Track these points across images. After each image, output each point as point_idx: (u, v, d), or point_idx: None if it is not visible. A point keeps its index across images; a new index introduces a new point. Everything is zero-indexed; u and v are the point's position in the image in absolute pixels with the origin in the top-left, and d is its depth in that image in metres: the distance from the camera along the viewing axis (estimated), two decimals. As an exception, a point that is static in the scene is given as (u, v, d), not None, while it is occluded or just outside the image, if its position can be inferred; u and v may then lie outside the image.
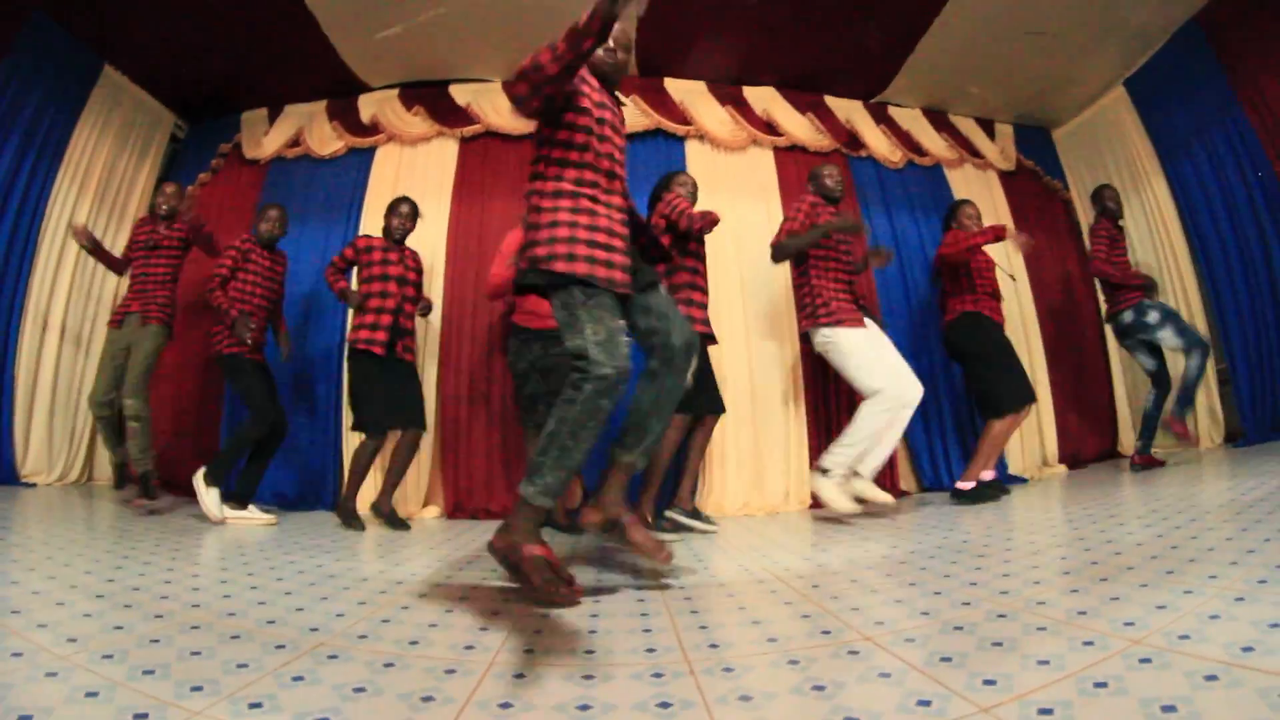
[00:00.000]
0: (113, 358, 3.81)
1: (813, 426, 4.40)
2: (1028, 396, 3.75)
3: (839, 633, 1.54)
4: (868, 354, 3.44)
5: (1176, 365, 4.17)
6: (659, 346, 2.05)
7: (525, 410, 3.50)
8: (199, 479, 3.45)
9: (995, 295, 3.94)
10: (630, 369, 1.83)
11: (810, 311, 3.55)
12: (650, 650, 1.47)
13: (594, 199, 1.98)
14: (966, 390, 4.01)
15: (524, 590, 1.88)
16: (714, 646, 1.50)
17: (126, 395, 3.68)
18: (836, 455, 3.37)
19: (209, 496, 3.43)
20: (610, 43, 2.11)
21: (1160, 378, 4.25)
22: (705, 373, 3.41)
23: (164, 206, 3.98)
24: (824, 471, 3.37)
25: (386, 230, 3.78)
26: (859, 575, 2.18)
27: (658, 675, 1.32)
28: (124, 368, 3.76)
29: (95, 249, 3.94)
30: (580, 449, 1.81)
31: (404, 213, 3.80)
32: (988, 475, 3.71)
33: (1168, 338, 4.06)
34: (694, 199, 3.56)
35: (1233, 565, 1.70)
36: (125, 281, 4.15)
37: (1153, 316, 4.07)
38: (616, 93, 2.21)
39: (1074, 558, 2.07)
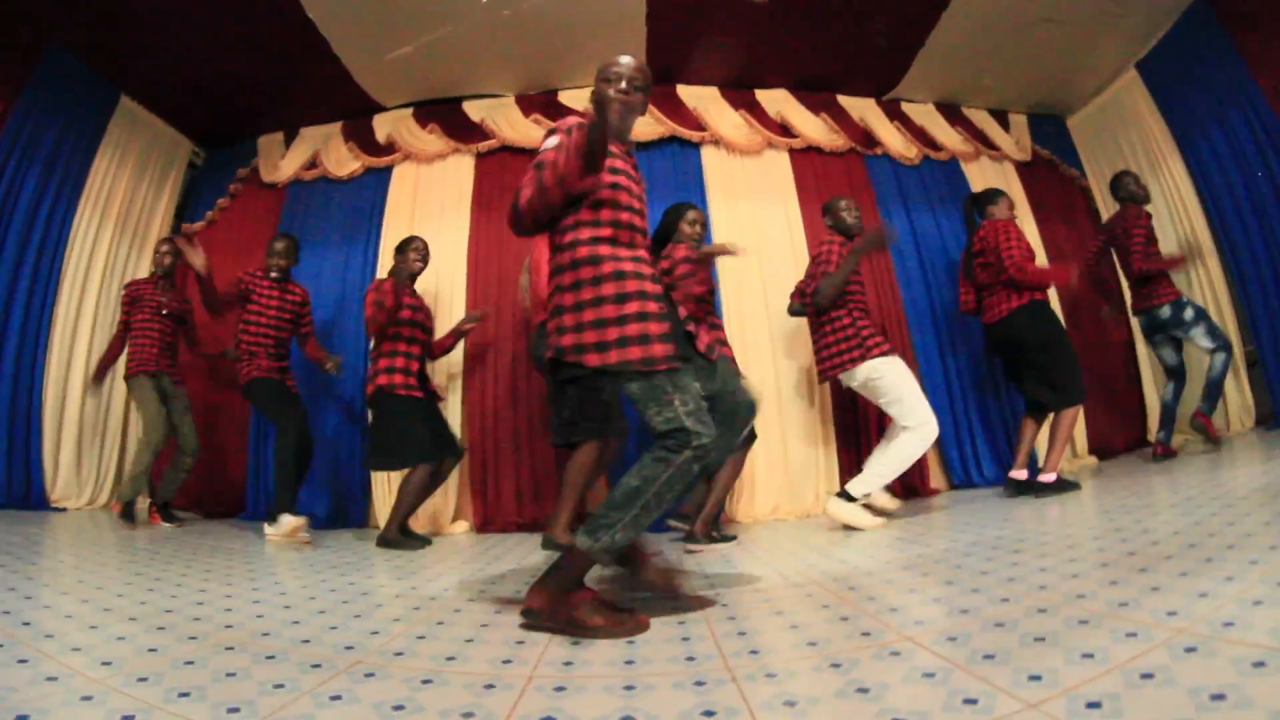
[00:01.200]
0: (155, 402, 3.98)
1: (839, 428, 4.36)
2: (1084, 394, 3.69)
3: (879, 634, 1.51)
4: (914, 384, 3.36)
5: (1190, 359, 4.18)
6: (726, 409, 1.95)
7: (557, 428, 3.28)
8: (273, 529, 3.50)
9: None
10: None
11: (858, 345, 3.38)
12: (690, 659, 1.45)
13: (638, 262, 1.86)
14: (1020, 383, 3.81)
15: (589, 634, 1.69)
16: (754, 653, 1.47)
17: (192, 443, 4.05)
18: (868, 482, 3.26)
19: (290, 525, 3.47)
20: (624, 84, 1.95)
21: (1179, 372, 4.21)
22: None
23: (166, 260, 4.16)
24: (848, 497, 3.25)
25: (398, 271, 3.61)
26: (894, 575, 2.14)
27: (700, 684, 1.30)
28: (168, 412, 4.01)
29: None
30: (659, 512, 1.73)
31: (420, 249, 3.76)
32: (1021, 475, 3.64)
33: (1199, 335, 4.01)
34: (703, 232, 3.50)
35: (1273, 550, 1.67)
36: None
37: (1189, 314, 4.02)
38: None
39: (1111, 549, 2.02)
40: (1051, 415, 3.68)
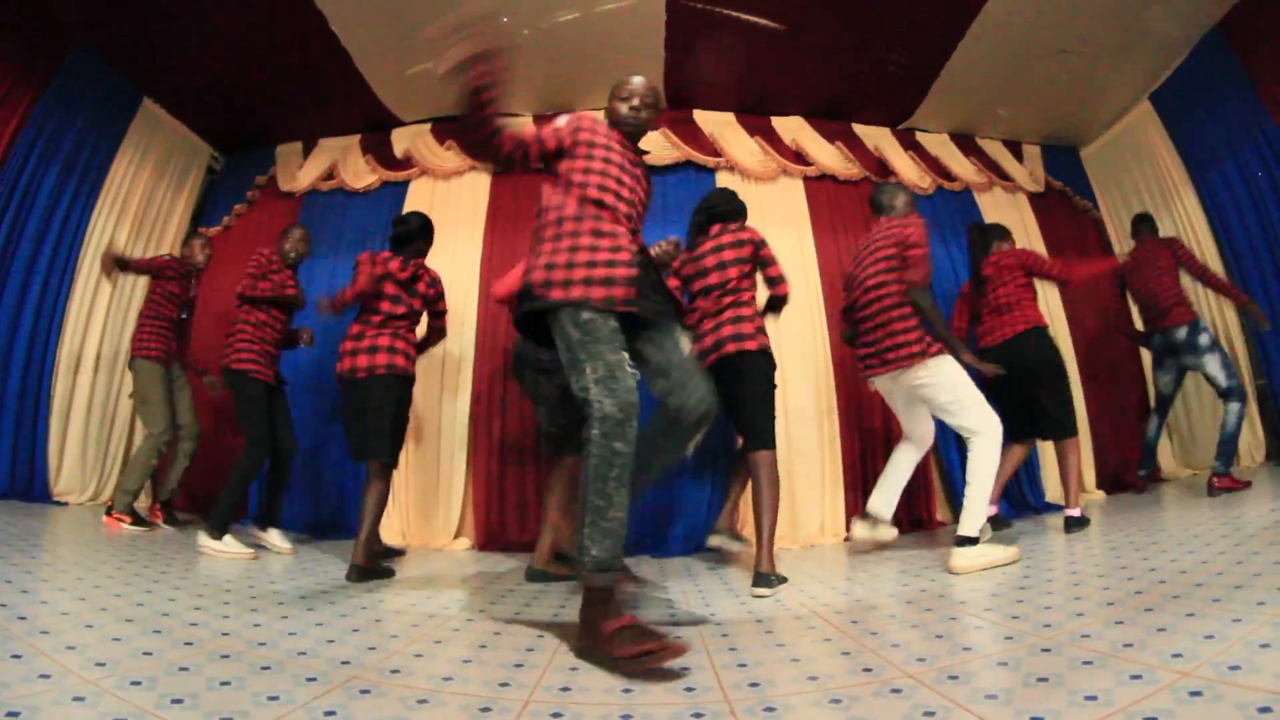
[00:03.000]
0: (166, 394, 3.96)
1: (847, 458, 4.33)
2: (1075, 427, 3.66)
3: (880, 670, 1.49)
4: (971, 383, 3.07)
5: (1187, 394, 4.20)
6: (672, 409, 1.91)
7: (543, 434, 3.24)
8: (204, 541, 3.18)
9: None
10: (638, 403, 1.72)
11: (918, 340, 3.06)
12: (689, 689, 1.43)
13: (597, 232, 1.94)
14: (1023, 410, 3.65)
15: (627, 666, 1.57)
16: (754, 685, 1.45)
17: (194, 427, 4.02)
18: (976, 515, 2.87)
19: (225, 546, 3.18)
20: (635, 101, 2.21)
21: (1166, 404, 4.24)
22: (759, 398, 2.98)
23: (200, 256, 4.18)
24: (968, 542, 2.80)
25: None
26: (897, 610, 2.12)
27: (698, 715, 1.28)
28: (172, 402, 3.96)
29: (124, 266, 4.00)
30: (614, 505, 1.65)
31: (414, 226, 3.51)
32: (992, 510, 3.54)
33: (1211, 365, 3.92)
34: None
35: (1280, 590, 1.64)
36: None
37: (1204, 340, 3.96)
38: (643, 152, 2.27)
39: (1117, 587, 2.00)
40: (1038, 445, 3.67)
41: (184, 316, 4.16)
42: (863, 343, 3.31)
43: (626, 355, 1.80)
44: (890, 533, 3.37)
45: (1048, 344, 3.62)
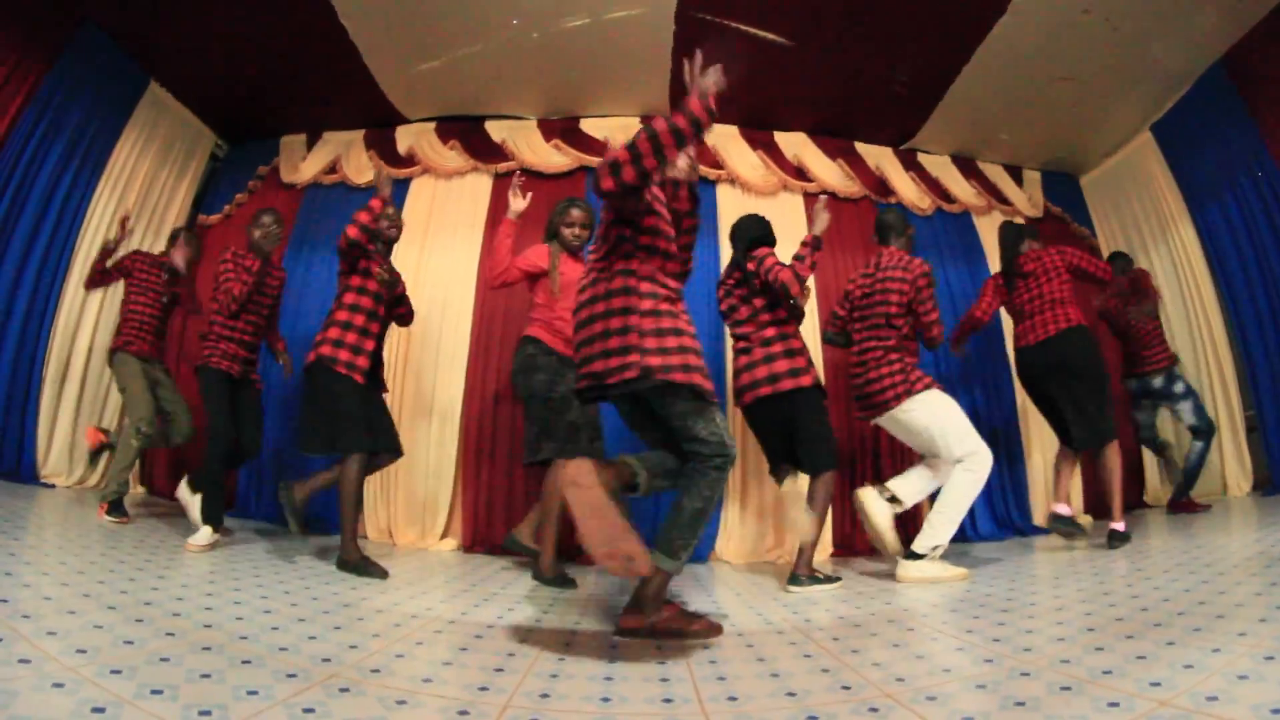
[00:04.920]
0: (144, 384, 3.85)
1: (841, 470, 4.33)
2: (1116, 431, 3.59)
3: (859, 688, 1.50)
4: (958, 411, 3.15)
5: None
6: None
7: (531, 443, 3.22)
8: (183, 488, 3.38)
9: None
10: None
11: (902, 381, 3.16)
12: (667, 700, 1.44)
13: (680, 311, 2.09)
14: (1063, 416, 3.64)
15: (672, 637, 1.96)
16: (732, 699, 1.46)
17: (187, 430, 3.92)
18: (935, 535, 3.04)
19: (194, 502, 3.26)
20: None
21: (1151, 442, 4.50)
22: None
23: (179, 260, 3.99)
24: (915, 556, 3.03)
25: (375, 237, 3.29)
26: (880, 629, 2.13)
27: (674, 726, 1.29)
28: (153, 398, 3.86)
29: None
30: (703, 526, 1.98)
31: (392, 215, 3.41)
32: (1064, 509, 3.64)
33: (1185, 411, 4.18)
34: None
35: (1262, 622, 1.66)
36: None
37: (1180, 388, 4.21)
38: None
39: (1099, 613, 2.01)
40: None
41: (164, 303, 4.04)
42: (853, 373, 3.40)
43: None
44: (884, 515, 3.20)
45: (1090, 342, 3.59)
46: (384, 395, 3.43)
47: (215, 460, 3.33)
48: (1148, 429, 4.45)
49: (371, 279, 3.20)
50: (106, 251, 4.10)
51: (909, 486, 3.26)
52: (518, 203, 3.48)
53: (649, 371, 1.92)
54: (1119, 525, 3.35)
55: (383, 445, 3.20)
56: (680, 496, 1.97)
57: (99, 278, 4.10)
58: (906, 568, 3.02)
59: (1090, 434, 3.52)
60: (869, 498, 3.20)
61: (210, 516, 3.16)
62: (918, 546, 3.04)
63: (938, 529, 3.04)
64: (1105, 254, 5.48)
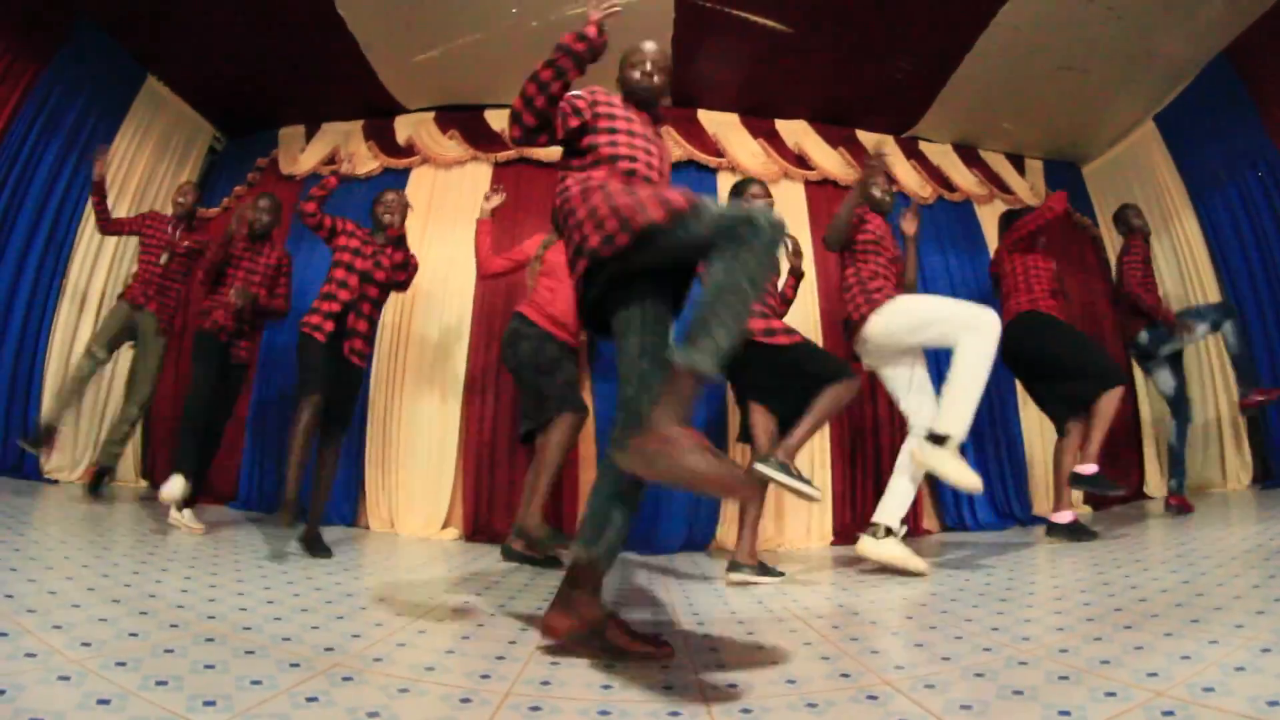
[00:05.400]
0: (119, 323, 3.97)
1: (837, 458, 4.34)
2: (1121, 373, 3.42)
3: (858, 676, 1.50)
4: (934, 301, 3.10)
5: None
6: None
7: (527, 414, 3.33)
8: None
9: (1056, 294, 3.68)
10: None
11: (864, 300, 3.13)
12: (668, 688, 1.44)
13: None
14: (1040, 402, 3.67)
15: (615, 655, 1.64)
16: (733, 687, 1.46)
17: (143, 397, 3.94)
18: (955, 416, 2.80)
19: (173, 481, 3.31)
20: (647, 65, 2.13)
21: (1179, 403, 4.05)
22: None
23: (181, 207, 4.14)
24: (938, 439, 2.81)
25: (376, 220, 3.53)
26: (879, 617, 2.14)
27: (674, 715, 1.30)
28: (120, 339, 4.01)
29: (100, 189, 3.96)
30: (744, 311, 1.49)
31: (389, 202, 3.57)
32: (1065, 517, 3.37)
33: (1161, 378, 4.05)
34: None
35: (1259, 615, 1.66)
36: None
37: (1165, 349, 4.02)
38: (660, 123, 2.20)
39: (1098, 603, 2.02)
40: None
41: (165, 260, 4.10)
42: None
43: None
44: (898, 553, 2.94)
45: (1033, 326, 3.52)
46: (359, 372, 3.49)
47: (185, 414, 3.53)
48: (1168, 392, 4.11)
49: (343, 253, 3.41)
50: (97, 185, 4.01)
51: (893, 507, 3.06)
52: (488, 204, 3.77)
53: (595, 254, 1.70)
54: (1088, 468, 3.24)
55: (334, 414, 3.28)
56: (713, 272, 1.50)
57: (105, 220, 4.06)
58: (866, 544, 2.91)
59: (1081, 396, 3.38)
60: (870, 547, 2.93)
61: (182, 466, 3.34)
62: (939, 427, 2.82)
63: (957, 408, 2.80)
64: (1108, 244, 5.49)
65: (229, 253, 3.73)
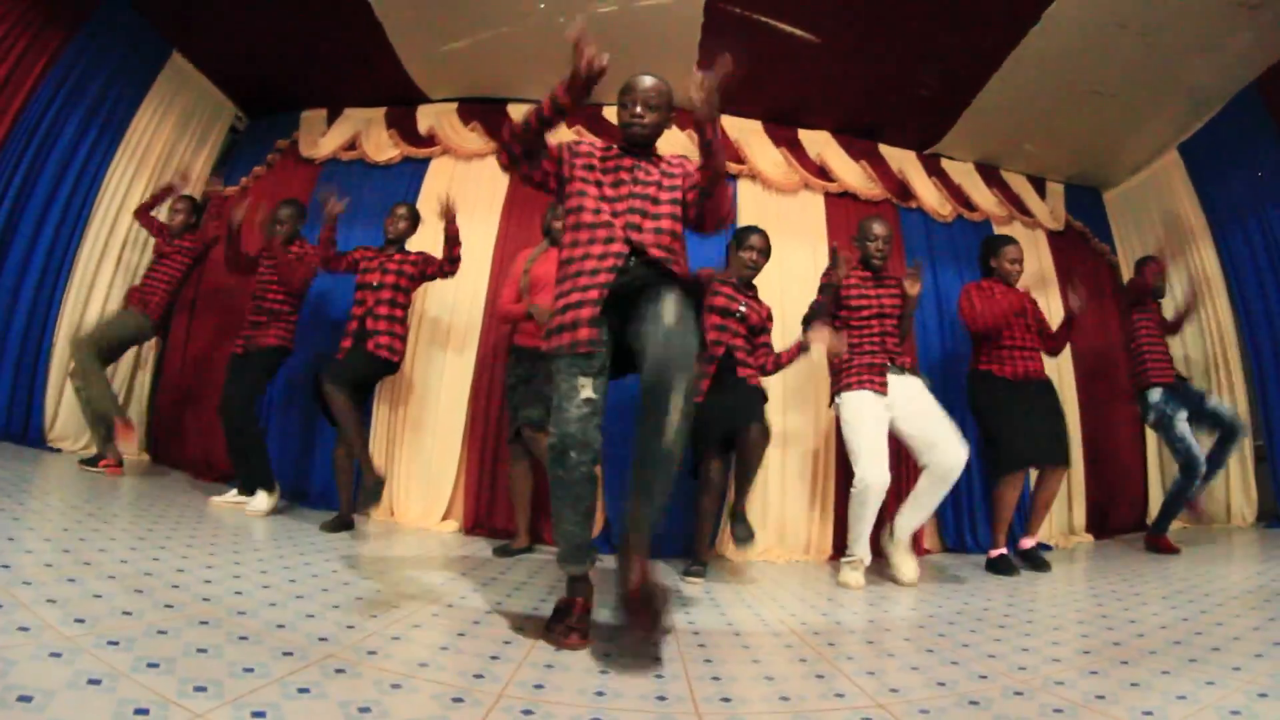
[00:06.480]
0: (115, 322, 4.12)
1: (840, 476, 4.31)
2: (1022, 459, 3.53)
3: (852, 697, 1.49)
4: (869, 428, 3.17)
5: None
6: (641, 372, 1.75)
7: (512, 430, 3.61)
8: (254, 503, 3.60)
9: (1019, 347, 3.68)
10: (578, 434, 1.74)
11: (834, 378, 3.42)
12: (661, 698, 1.43)
13: (579, 272, 1.93)
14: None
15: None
16: (726, 700, 1.45)
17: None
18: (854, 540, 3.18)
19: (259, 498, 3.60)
20: (637, 107, 2.13)
21: (1189, 466, 3.83)
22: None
23: (178, 218, 4.28)
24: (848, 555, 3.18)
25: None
26: (876, 636, 2.13)
27: (667, 726, 1.28)
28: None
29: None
30: (565, 519, 1.82)
31: (398, 215, 3.88)
32: (1028, 543, 3.61)
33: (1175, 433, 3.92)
34: (766, 255, 3.59)
35: (1258, 658, 1.66)
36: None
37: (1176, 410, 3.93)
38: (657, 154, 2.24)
39: (1095, 636, 2.01)
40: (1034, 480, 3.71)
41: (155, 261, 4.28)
42: None
43: (584, 381, 1.81)
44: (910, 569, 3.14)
45: (974, 390, 3.80)
46: (384, 361, 3.66)
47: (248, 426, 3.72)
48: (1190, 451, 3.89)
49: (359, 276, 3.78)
50: (164, 191, 4.38)
51: (907, 521, 3.25)
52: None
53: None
54: (994, 552, 3.48)
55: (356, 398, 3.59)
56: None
57: (145, 215, 4.32)
58: (884, 541, 3.25)
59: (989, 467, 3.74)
60: (886, 544, 3.28)
61: (262, 481, 3.62)
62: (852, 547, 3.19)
63: (855, 528, 3.18)
64: (1125, 271, 5.44)
65: (261, 255, 3.95)
